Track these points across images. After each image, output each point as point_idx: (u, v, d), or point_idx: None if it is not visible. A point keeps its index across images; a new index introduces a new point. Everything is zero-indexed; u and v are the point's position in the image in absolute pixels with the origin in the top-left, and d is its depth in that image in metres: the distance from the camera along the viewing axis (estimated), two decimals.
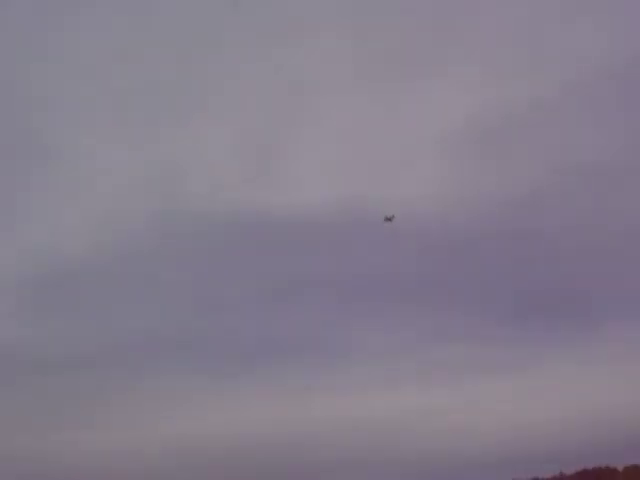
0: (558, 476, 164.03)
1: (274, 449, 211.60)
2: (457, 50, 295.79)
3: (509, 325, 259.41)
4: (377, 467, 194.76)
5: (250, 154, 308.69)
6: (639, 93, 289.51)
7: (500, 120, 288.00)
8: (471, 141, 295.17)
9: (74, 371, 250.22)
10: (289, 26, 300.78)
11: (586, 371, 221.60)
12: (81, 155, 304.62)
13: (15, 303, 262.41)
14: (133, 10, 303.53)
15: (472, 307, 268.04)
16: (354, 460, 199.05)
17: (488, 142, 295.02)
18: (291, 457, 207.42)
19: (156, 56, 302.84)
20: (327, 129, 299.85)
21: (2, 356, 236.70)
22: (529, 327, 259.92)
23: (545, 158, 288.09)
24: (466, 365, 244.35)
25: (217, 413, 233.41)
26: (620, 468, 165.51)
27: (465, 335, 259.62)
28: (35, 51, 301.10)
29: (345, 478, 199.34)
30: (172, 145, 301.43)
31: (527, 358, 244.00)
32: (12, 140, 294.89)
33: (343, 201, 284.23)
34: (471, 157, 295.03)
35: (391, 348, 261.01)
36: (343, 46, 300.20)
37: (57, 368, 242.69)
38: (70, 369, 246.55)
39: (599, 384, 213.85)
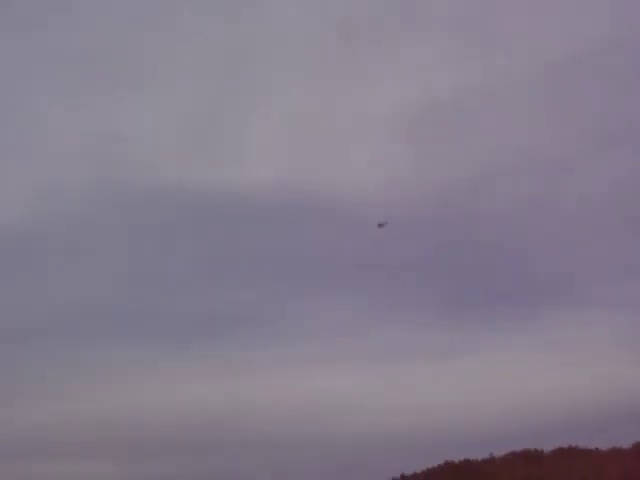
0: (489, 458, 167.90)
1: (208, 425, 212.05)
2: (408, 34, 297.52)
3: (446, 310, 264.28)
4: (310, 446, 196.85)
5: (193, 128, 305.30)
6: (580, 85, 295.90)
7: (445, 105, 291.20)
8: (416, 125, 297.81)
9: (7, 342, 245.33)
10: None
11: (520, 357, 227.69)
12: (18, 123, 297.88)
13: None
14: None
15: (409, 290, 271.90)
16: (287, 438, 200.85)
17: (432, 126, 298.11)
18: (225, 433, 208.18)
19: (98, 24, 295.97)
20: (273, 107, 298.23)
21: None
22: (466, 313, 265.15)
23: (487, 143, 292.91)
24: (402, 348, 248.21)
25: (153, 386, 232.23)
26: (547, 451, 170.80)
27: (402, 319, 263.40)
28: None
29: (278, 456, 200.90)
30: (112, 115, 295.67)
31: (462, 343, 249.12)
32: None
33: (285, 180, 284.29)
34: (415, 141, 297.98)
35: (328, 329, 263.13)
36: (292, 24, 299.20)
37: None
38: (3, 340, 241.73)
39: (532, 370, 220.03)
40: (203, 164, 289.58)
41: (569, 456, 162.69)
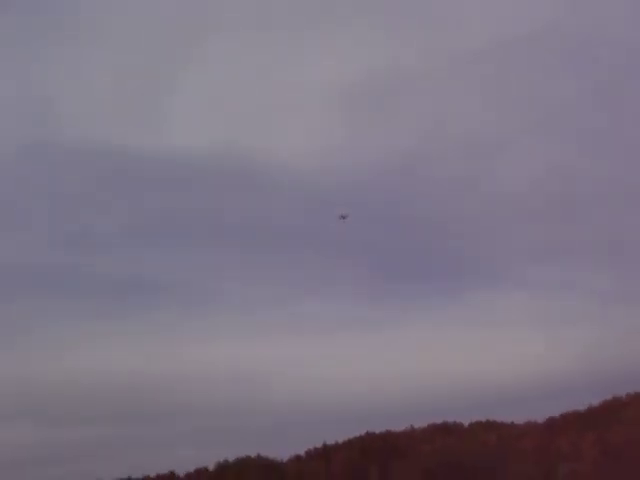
0: (409, 429, 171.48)
1: (140, 388, 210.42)
2: (346, 8, 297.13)
3: (370, 284, 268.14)
4: (231, 413, 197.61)
5: (127, 92, 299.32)
6: (515, 68, 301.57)
7: (388, 81, 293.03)
8: (350, 98, 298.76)
9: None
10: None
11: (441, 332, 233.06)
12: None
13: None
14: None
15: (335, 263, 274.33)
16: (209, 405, 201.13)
17: (367, 101, 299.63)
18: (156, 398, 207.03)
19: None
20: (208, 74, 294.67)
21: None
22: (389, 287, 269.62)
23: (420, 121, 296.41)
24: (325, 320, 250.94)
25: (85, 349, 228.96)
26: (466, 424, 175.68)
27: (327, 291, 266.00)
28: None
29: (200, 422, 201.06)
30: (46, 75, 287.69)
31: (385, 316, 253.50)
32: None
33: (218, 147, 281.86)
34: (349, 115, 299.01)
35: (263, 298, 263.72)
36: None
37: None
38: None
39: (453, 345, 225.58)
40: (137, 129, 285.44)
41: (486, 429, 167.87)
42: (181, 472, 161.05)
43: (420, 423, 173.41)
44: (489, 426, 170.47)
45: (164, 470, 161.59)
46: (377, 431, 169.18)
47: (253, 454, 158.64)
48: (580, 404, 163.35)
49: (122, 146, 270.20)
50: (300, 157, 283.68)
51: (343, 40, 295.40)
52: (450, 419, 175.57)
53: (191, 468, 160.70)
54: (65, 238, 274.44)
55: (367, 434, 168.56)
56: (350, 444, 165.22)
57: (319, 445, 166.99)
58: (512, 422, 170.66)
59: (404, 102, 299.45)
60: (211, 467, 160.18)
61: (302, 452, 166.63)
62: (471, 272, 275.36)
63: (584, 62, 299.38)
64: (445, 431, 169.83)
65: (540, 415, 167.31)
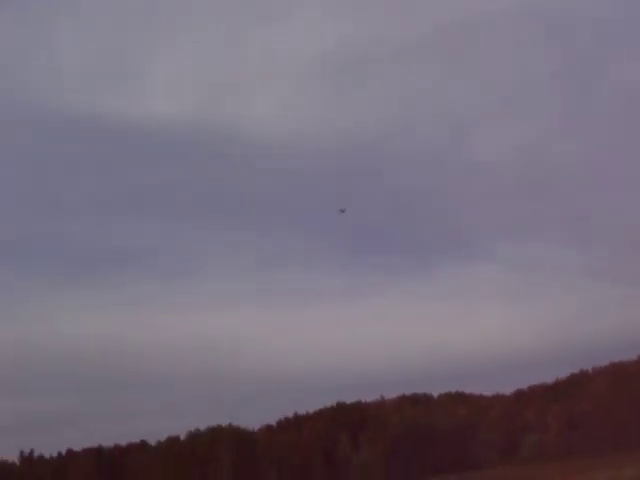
0: (379, 400, 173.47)
1: (111, 358, 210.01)
2: None
3: (341, 256, 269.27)
4: (199, 383, 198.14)
5: (100, 60, 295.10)
6: (491, 43, 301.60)
7: (360, 50, 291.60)
8: (329, 68, 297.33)
9: None
10: None
11: (411, 305, 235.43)
12: None
13: None
14: None
15: (313, 235, 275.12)
16: (177, 374, 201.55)
17: (341, 73, 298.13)
18: (128, 367, 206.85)
19: None
20: (182, 42, 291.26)
21: None
22: (361, 259, 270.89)
23: (394, 93, 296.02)
24: (301, 290, 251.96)
25: (52, 319, 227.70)
26: (435, 395, 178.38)
27: (303, 261, 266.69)
28: None
29: (167, 392, 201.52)
30: (14, 35, 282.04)
31: (356, 288, 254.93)
32: None
33: (190, 116, 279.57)
34: (323, 86, 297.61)
35: (232, 269, 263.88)
36: None
37: None
38: None
39: (424, 317, 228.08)
40: (107, 98, 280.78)
41: (455, 400, 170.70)
42: (152, 441, 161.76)
43: (390, 394, 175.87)
44: (458, 398, 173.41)
45: (135, 439, 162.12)
46: (348, 401, 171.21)
47: (224, 423, 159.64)
48: (547, 377, 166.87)
49: (93, 115, 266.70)
50: (271, 127, 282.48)
51: (314, 9, 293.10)
52: (420, 390, 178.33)
53: (163, 437, 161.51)
54: (34, 207, 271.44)
55: (338, 404, 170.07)
56: (321, 414, 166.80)
57: (290, 415, 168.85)
58: (481, 394, 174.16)
59: (375, 72, 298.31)
60: (183, 436, 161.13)
61: (273, 422, 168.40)
62: (441, 245, 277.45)
63: (556, 40, 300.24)
64: (415, 402, 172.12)
65: (508, 387, 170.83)
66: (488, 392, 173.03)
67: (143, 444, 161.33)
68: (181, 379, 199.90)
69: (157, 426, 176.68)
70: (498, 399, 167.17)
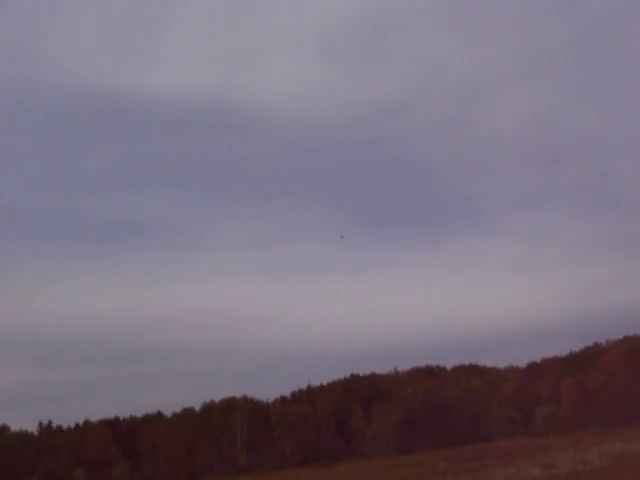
0: (393, 372, 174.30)
1: (126, 330, 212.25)
2: None
3: (355, 228, 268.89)
4: (216, 354, 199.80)
5: (113, 31, 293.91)
6: (507, 10, 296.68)
7: (374, 22, 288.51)
8: (343, 40, 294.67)
9: None
10: None
11: (425, 277, 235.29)
12: None
13: None
14: None
15: (325, 207, 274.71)
16: (205, 346, 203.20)
17: (353, 43, 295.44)
18: (143, 339, 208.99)
19: None
20: (196, 14, 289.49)
21: None
22: (375, 231, 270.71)
23: (407, 64, 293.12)
24: (314, 263, 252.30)
25: (68, 291, 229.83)
26: (449, 367, 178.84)
27: (315, 234, 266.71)
28: None
29: (196, 363, 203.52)
30: (32, 15, 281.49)
31: (370, 260, 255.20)
32: None
33: (203, 87, 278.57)
34: (342, 56, 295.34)
35: (245, 240, 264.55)
36: None
37: None
38: None
39: (437, 289, 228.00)
40: (122, 68, 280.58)
41: (469, 373, 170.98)
42: (168, 412, 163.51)
43: (404, 366, 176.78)
44: (472, 370, 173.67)
45: (151, 410, 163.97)
46: (361, 373, 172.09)
47: (239, 395, 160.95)
48: (561, 350, 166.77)
49: (107, 87, 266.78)
50: (284, 99, 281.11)
51: None
52: (433, 363, 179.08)
53: (178, 408, 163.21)
54: (50, 179, 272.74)
55: (351, 376, 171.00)
56: (335, 386, 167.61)
57: (304, 387, 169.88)
58: (494, 366, 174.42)
59: (390, 43, 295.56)
60: (197, 407, 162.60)
61: (287, 393, 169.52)
62: (454, 217, 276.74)
63: (572, 8, 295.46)
64: (428, 374, 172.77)
65: (521, 360, 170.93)
66: (501, 365, 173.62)
67: (158, 415, 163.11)
68: (196, 351, 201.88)
69: (172, 398, 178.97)
70: (511, 372, 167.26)
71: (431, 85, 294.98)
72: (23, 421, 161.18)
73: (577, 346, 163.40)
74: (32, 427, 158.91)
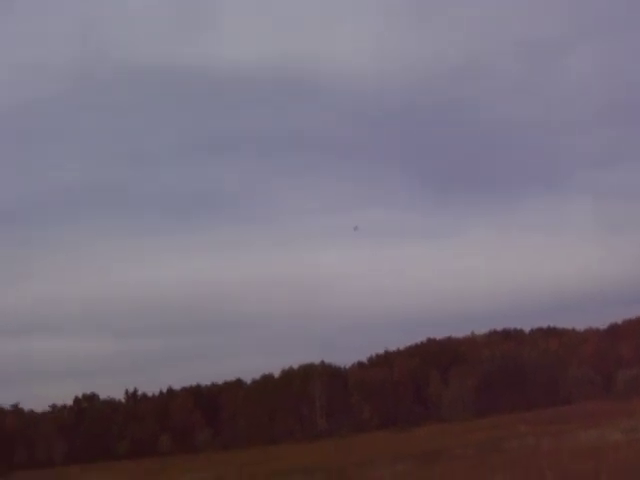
0: (470, 336, 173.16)
1: (205, 299, 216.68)
2: None
3: (431, 192, 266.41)
4: (306, 321, 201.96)
5: (177, 3, 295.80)
6: None
7: None
8: (412, 2, 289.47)
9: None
10: None
11: (502, 239, 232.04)
12: None
13: None
14: None
15: (398, 172, 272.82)
16: (283, 313, 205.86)
17: (428, 4, 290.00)
18: (221, 308, 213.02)
19: None
20: None
21: None
22: (453, 195, 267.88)
23: (474, 24, 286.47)
24: (386, 229, 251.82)
25: (147, 263, 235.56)
26: (527, 330, 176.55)
27: (389, 199, 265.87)
28: None
29: (275, 329, 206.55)
30: None
31: (447, 224, 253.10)
32: None
33: (270, 56, 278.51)
34: (401, 21, 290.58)
35: (316, 207, 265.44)
36: None
37: None
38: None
39: (513, 252, 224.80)
40: (188, 42, 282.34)
41: (547, 335, 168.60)
42: (247, 379, 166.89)
43: (481, 329, 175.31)
44: (550, 332, 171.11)
45: (231, 378, 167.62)
46: (438, 337, 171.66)
47: (317, 361, 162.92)
48: None
49: (173, 61, 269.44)
50: (351, 65, 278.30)
51: None
52: (511, 325, 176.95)
53: (257, 375, 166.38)
54: (126, 155, 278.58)
55: (428, 340, 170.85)
56: (411, 351, 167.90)
57: (381, 352, 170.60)
58: (573, 328, 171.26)
59: (459, 2, 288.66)
60: (276, 374, 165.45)
61: (364, 359, 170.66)
62: (531, 177, 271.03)
63: None
64: (506, 337, 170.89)
65: (601, 321, 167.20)
66: (581, 327, 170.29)
67: (238, 382, 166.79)
68: (274, 318, 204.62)
69: (252, 365, 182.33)
70: (591, 333, 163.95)
71: (502, 43, 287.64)
72: (111, 390, 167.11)
73: None
74: (119, 395, 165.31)
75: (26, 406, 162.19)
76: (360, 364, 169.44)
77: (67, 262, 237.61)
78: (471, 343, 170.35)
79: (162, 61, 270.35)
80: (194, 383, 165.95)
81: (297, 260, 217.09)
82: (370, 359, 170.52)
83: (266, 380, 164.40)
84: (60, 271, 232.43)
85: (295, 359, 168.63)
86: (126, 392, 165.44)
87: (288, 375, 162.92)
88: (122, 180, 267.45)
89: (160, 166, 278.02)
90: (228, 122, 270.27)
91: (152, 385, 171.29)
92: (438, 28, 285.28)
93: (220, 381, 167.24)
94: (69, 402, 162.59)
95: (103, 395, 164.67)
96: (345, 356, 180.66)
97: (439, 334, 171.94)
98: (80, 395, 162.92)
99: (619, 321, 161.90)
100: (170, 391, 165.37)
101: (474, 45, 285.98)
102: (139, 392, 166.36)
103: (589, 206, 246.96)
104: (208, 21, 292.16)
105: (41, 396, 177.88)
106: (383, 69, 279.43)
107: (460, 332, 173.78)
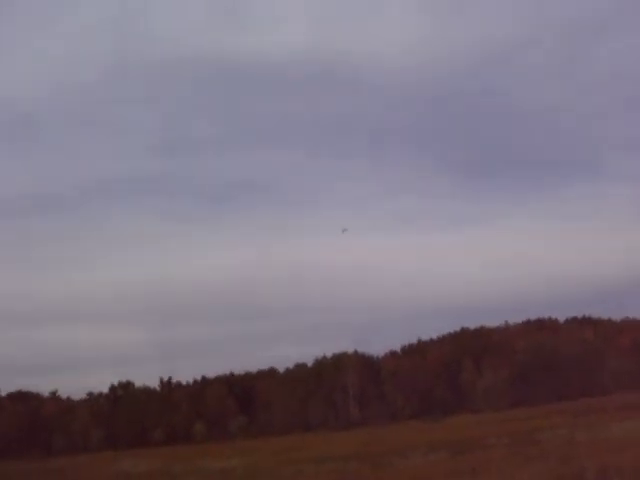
0: (504, 325, 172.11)
1: (240, 288, 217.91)
2: None
3: (463, 180, 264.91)
4: (340, 310, 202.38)
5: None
6: None
7: None
8: None
9: (37, 214, 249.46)
10: None
11: (537, 228, 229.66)
12: None
13: None
14: None
15: (433, 160, 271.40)
16: (317, 302, 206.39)
17: None
18: (256, 297, 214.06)
19: None
20: None
21: None
22: (484, 182, 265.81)
23: (519, 8, 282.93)
24: (423, 216, 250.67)
25: (186, 252, 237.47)
26: (561, 320, 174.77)
27: (424, 187, 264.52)
28: None
29: (308, 319, 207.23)
30: None
31: (479, 212, 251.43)
32: None
33: (304, 47, 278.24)
34: (445, 10, 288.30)
35: (358, 196, 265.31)
36: None
37: (21, 211, 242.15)
38: (31, 212, 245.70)
39: (549, 241, 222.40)
40: (221, 33, 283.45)
41: (582, 325, 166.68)
42: (281, 368, 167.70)
43: (515, 319, 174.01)
44: (585, 322, 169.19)
45: (264, 366, 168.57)
46: (471, 327, 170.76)
47: (350, 350, 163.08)
48: None
49: (216, 51, 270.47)
50: (391, 54, 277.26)
51: None
52: (545, 315, 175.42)
53: (290, 364, 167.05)
54: (162, 144, 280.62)
55: (462, 330, 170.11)
56: (445, 340, 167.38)
57: (414, 341, 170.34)
58: (609, 318, 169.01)
59: None
60: (309, 363, 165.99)
61: (398, 348, 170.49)
62: (569, 164, 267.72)
63: None
64: (540, 327, 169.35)
65: (638, 311, 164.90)
66: (617, 317, 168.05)
67: (272, 371, 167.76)
68: (308, 307, 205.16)
69: (285, 353, 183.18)
70: (628, 324, 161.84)
71: (540, 27, 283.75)
72: (146, 378, 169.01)
73: None
74: (154, 383, 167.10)
75: (64, 393, 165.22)
76: (393, 353, 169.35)
77: (106, 252, 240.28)
78: (505, 333, 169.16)
79: (207, 50, 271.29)
80: (228, 371, 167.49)
81: (332, 249, 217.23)
82: (403, 348, 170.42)
83: (299, 369, 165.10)
84: (100, 260, 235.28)
85: (328, 348, 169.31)
86: (161, 380, 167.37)
87: (321, 364, 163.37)
88: (166, 169, 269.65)
89: (206, 155, 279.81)
90: (268, 110, 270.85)
91: (187, 373, 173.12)
92: (476, 12, 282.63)
93: (254, 370, 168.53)
94: (105, 390, 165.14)
95: (138, 383, 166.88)
96: (378, 345, 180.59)
97: (473, 323, 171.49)
98: (116, 383, 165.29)
99: None
100: (204, 379, 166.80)
101: (513, 30, 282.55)
102: (174, 380, 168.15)
103: (629, 193, 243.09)
104: (250, 10, 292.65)
105: (78, 384, 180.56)
106: (423, 58, 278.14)
107: (494, 321, 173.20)
